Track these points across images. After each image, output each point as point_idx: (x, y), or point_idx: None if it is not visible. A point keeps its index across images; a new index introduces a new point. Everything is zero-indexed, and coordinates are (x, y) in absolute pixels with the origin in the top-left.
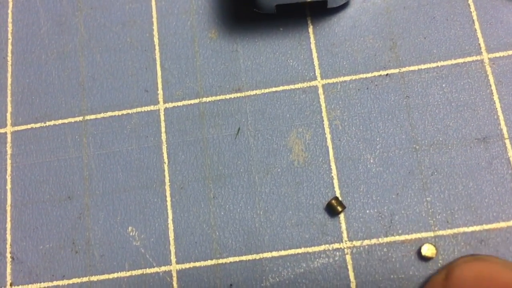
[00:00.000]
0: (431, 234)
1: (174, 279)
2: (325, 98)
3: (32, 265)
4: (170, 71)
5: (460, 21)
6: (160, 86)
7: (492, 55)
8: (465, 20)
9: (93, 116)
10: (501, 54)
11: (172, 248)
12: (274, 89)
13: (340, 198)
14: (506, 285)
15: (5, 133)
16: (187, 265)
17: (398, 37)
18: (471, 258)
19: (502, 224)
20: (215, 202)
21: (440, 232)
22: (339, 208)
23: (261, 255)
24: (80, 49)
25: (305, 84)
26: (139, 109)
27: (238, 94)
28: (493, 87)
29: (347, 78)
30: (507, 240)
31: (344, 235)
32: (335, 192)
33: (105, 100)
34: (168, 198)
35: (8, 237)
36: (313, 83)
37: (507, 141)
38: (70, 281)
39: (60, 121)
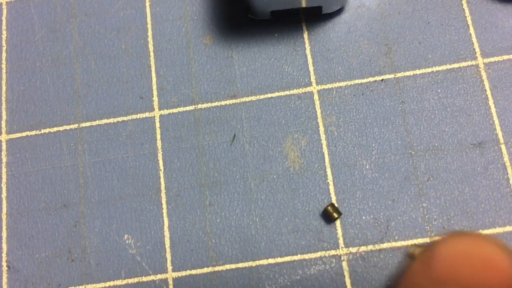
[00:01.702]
0: (427, 240)
1: (171, 287)
2: (321, 104)
3: (28, 274)
4: (165, 78)
5: (455, 26)
6: (155, 93)
7: (487, 60)
8: (460, 25)
9: (88, 124)
10: (496, 59)
11: (168, 256)
12: (269, 95)
13: (336, 205)
14: (483, 259)
15: (0, 141)
16: (183, 273)
17: (393, 43)
18: (451, 234)
19: (498, 230)
20: (211, 209)
21: (437, 238)
22: (335, 215)
23: (257, 262)
24: (75, 56)
25: (300, 90)
26: (134, 116)
27: (234, 101)
28: (488, 92)
29: (342, 83)
30: None
31: (341, 241)
32: (331, 198)
33: (100, 107)
34: (164, 206)
35: (4, 246)
36: (308, 89)
37: (503, 146)
38: None
39: (55, 129)
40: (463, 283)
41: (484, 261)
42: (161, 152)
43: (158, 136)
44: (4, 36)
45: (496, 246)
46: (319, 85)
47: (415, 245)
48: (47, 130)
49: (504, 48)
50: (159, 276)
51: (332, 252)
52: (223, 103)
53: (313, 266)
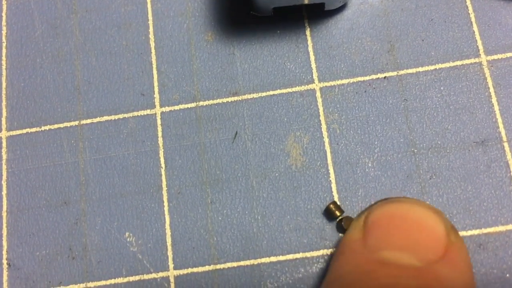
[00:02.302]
0: None
1: (172, 285)
2: (323, 101)
3: (29, 272)
4: (166, 75)
5: (458, 23)
6: (156, 89)
7: (490, 58)
8: (463, 22)
9: (89, 121)
10: (499, 56)
11: (170, 254)
12: (271, 92)
13: (338, 203)
14: (416, 222)
15: (0, 138)
16: (184, 271)
17: (396, 40)
18: (383, 202)
19: (501, 228)
20: (213, 207)
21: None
22: (337, 213)
23: (259, 260)
24: (76, 52)
25: (302, 87)
26: (135, 113)
27: (235, 98)
28: (492, 90)
29: (345, 81)
30: (506, 244)
31: None
32: (333, 196)
33: (101, 104)
34: (165, 203)
35: (4, 243)
36: (310, 86)
37: (506, 144)
38: None
39: (55, 126)
40: (397, 247)
41: (417, 224)
42: (163, 150)
43: (160, 134)
44: (4, 32)
45: (429, 210)
46: (322, 82)
47: (347, 217)
48: (47, 127)
49: (507, 45)
50: (160, 274)
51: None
52: (224, 100)
53: (315, 264)
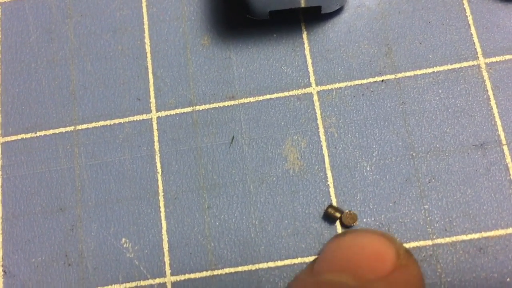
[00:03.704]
0: (429, 242)
1: None
2: (320, 105)
3: (25, 279)
4: (162, 79)
5: (456, 26)
6: (152, 94)
7: (488, 60)
8: (461, 25)
9: (84, 126)
10: (498, 58)
11: (167, 260)
12: (268, 96)
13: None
14: (360, 247)
15: None
16: (182, 277)
17: (393, 43)
18: (337, 235)
19: (501, 232)
20: (210, 212)
21: (439, 241)
22: (337, 214)
23: (257, 266)
24: (71, 57)
25: (299, 91)
26: (131, 118)
27: (232, 102)
28: (490, 92)
29: (342, 84)
30: (506, 248)
31: None
32: (331, 200)
33: (96, 109)
34: (162, 209)
35: (0, 250)
36: (308, 90)
37: (505, 147)
38: None
39: (51, 131)
40: (337, 270)
41: (361, 249)
42: (159, 155)
43: (156, 138)
44: None
45: (379, 236)
46: (319, 86)
47: (348, 213)
48: (42, 133)
49: (505, 47)
50: (157, 280)
51: None
52: (221, 104)
53: None
